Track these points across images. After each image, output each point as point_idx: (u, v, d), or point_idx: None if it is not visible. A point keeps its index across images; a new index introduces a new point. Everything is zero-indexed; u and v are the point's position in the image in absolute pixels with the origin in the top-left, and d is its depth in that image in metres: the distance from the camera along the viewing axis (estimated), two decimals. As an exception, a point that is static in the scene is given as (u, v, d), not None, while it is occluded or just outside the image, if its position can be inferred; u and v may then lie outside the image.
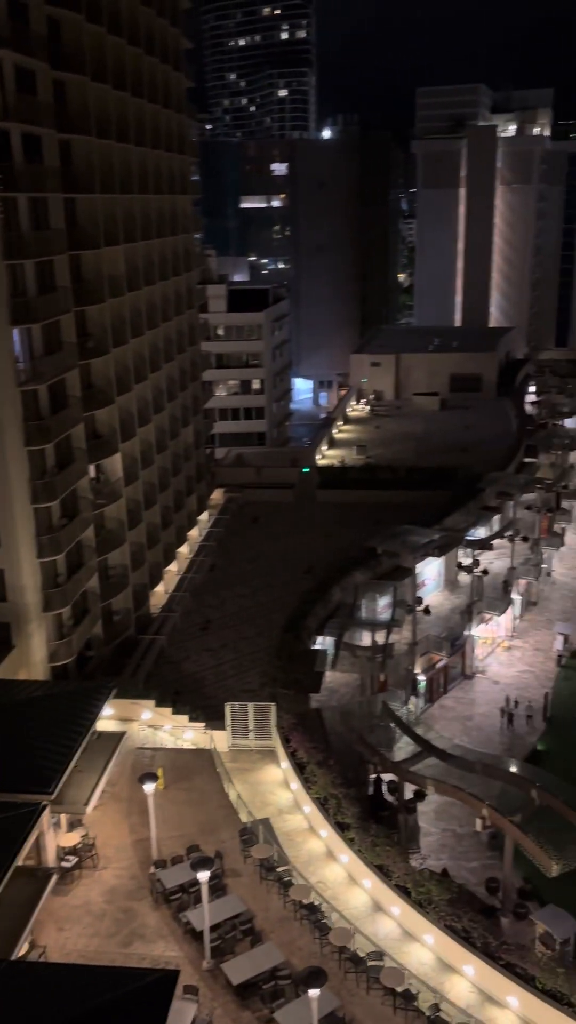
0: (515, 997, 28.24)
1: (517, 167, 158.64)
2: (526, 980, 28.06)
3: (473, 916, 30.60)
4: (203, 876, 29.34)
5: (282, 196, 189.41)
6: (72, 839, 35.37)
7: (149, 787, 34.02)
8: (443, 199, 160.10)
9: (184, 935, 31.33)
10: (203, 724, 42.92)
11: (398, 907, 32.08)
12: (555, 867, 31.32)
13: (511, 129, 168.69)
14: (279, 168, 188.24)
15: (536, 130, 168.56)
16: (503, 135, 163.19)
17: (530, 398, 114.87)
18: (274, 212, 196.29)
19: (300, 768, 38.34)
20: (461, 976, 29.78)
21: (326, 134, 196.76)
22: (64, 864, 34.33)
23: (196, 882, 31.40)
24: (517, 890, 36.27)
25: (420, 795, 40.38)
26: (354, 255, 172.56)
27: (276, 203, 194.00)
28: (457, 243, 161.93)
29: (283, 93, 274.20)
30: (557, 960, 29.19)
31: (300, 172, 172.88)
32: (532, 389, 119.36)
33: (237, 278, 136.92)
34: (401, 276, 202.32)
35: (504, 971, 28.54)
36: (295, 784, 38.78)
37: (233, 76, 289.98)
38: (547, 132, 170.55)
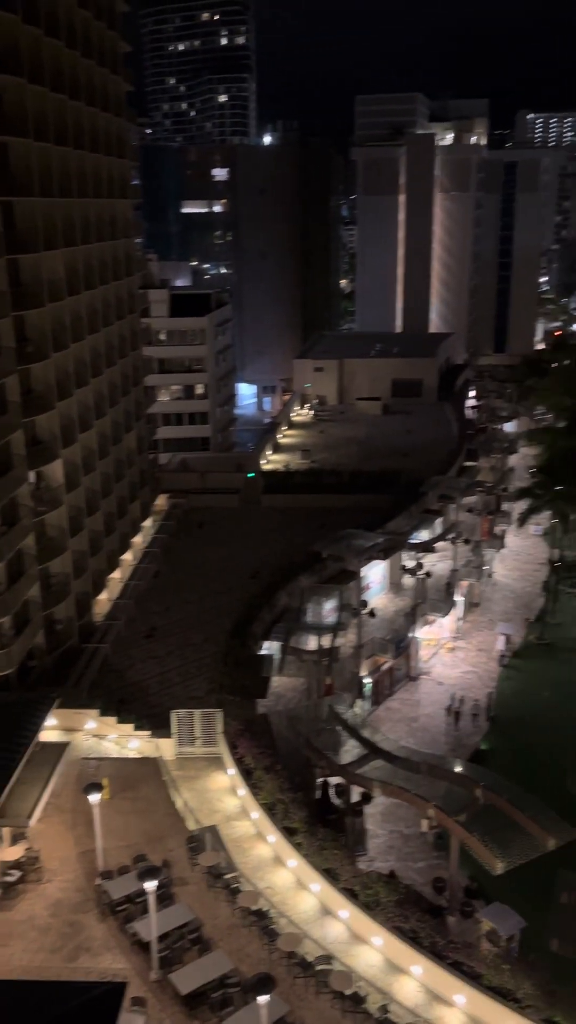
0: (462, 995, 28.54)
1: (455, 175, 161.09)
2: (473, 978, 28.39)
3: (420, 916, 30.86)
4: (150, 886, 29.05)
5: (223, 201, 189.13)
6: (15, 853, 34.76)
7: (94, 797, 33.60)
8: (383, 206, 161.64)
9: (132, 946, 31.00)
10: (149, 732, 42.56)
11: (346, 910, 32.19)
12: (499, 865, 31.77)
13: (448, 138, 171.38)
14: (220, 173, 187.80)
15: (473, 139, 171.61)
16: (441, 143, 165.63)
17: (470, 403, 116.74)
18: (216, 217, 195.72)
19: (247, 774, 38.26)
20: (409, 976, 29.99)
21: (266, 140, 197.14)
22: (7, 879, 33.69)
23: (143, 892, 31.05)
24: (463, 889, 36.72)
25: (367, 798, 40.62)
26: (296, 261, 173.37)
27: (217, 208, 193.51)
28: (397, 249, 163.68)
29: (223, 98, 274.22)
30: (503, 957, 29.62)
31: (241, 178, 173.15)
32: (472, 394, 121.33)
33: (179, 283, 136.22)
34: (343, 282, 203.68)
35: (451, 970, 28.82)
36: (242, 790, 38.67)
37: (173, 81, 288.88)
38: (483, 141, 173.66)
